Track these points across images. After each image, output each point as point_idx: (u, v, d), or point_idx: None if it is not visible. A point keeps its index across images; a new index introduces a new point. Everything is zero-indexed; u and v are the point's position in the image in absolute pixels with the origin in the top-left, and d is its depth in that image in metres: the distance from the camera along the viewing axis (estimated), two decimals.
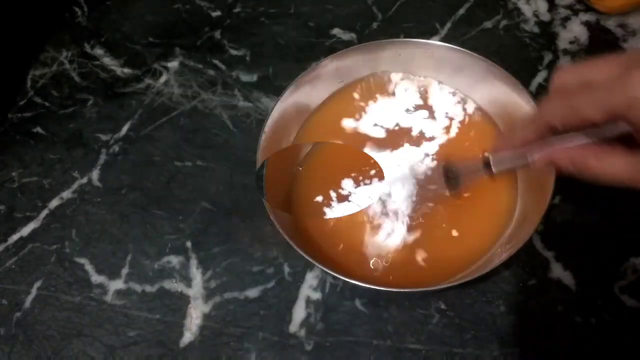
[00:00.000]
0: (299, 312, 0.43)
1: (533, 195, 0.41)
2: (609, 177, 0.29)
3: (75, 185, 0.50)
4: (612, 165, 0.29)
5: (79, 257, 0.46)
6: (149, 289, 0.44)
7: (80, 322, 0.43)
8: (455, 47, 0.45)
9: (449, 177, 0.43)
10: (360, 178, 0.45)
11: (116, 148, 0.52)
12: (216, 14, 0.62)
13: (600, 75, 0.28)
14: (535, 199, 0.39)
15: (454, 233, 0.42)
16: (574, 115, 0.28)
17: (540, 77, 0.53)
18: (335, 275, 0.37)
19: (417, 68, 0.48)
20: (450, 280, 0.38)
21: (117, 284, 0.45)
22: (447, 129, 0.47)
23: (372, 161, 0.46)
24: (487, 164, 0.38)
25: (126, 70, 0.58)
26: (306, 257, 0.37)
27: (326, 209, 0.44)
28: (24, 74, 0.58)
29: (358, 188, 0.45)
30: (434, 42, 0.46)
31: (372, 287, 0.36)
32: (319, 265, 0.37)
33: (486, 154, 0.38)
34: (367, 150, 0.46)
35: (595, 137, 0.31)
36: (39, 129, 0.54)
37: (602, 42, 0.54)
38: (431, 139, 0.47)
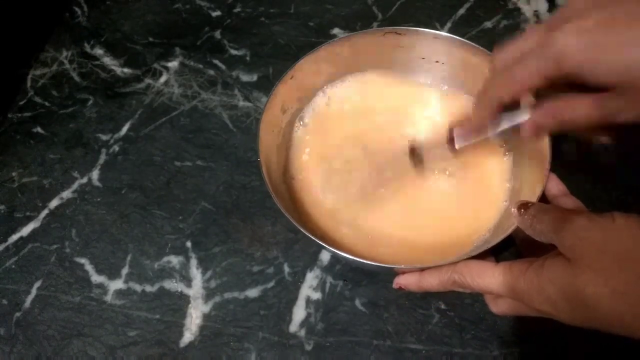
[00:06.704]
0: (299, 312, 0.43)
1: (529, 176, 0.40)
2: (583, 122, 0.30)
3: (75, 185, 0.50)
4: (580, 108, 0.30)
5: (79, 257, 0.46)
6: (149, 289, 0.44)
7: (80, 322, 0.43)
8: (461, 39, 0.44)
9: (414, 154, 0.44)
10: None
11: (116, 148, 0.52)
12: (216, 14, 0.62)
13: (530, 44, 0.30)
14: (532, 176, 0.39)
15: (452, 214, 0.42)
16: (516, 85, 0.31)
17: None
18: (341, 254, 0.35)
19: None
20: (457, 255, 0.36)
21: (117, 284, 0.45)
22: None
23: None
24: (451, 140, 0.39)
25: (126, 70, 0.58)
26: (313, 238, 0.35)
27: None
28: (24, 74, 0.58)
29: None
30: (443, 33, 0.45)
31: (378, 264, 0.35)
32: (325, 245, 0.35)
33: (451, 129, 0.39)
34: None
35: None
36: (39, 129, 0.54)
37: None
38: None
